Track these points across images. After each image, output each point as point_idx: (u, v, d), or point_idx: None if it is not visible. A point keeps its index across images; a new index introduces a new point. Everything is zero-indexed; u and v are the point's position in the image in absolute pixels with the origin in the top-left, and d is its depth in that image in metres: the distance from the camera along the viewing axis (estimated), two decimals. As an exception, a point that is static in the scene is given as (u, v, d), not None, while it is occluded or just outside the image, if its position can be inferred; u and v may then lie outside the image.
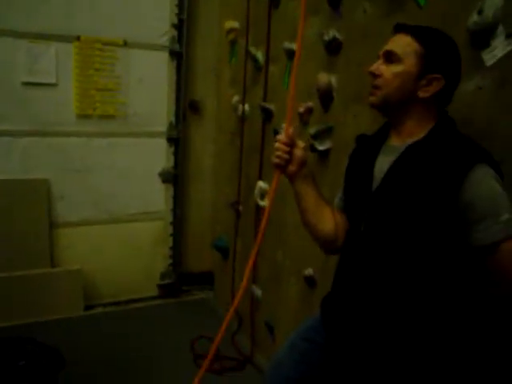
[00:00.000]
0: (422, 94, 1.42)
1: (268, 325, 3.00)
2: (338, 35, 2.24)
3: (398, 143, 1.49)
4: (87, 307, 3.70)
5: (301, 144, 1.63)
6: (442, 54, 1.41)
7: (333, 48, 2.28)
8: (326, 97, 2.33)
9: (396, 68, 1.43)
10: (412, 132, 1.46)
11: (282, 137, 1.60)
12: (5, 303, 3.38)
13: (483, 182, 1.30)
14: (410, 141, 1.46)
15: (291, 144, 1.60)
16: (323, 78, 2.31)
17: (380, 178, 1.49)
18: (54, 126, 3.52)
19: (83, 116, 3.59)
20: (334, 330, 1.61)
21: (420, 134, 1.45)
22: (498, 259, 1.30)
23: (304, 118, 2.50)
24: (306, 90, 2.46)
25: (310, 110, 2.46)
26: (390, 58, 1.44)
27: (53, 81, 3.47)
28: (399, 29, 1.48)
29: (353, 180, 1.65)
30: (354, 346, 1.51)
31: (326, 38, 2.28)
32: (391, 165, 1.47)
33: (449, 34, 1.46)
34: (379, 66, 1.47)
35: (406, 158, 1.44)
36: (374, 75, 1.47)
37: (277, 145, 1.61)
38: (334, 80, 2.29)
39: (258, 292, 3.12)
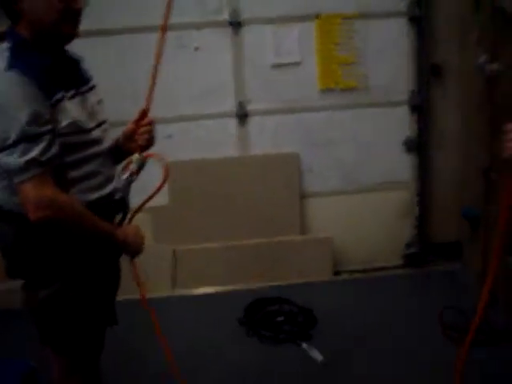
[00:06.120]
0: None
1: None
2: None
3: None
4: (336, 273, 3.90)
5: None
6: None
7: None
8: None
9: None
10: None
11: None
12: (260, 266, 3.74)
13: None
14: None
15: None
16: None
17: None
18: (300, 103, 3.74)
19: (326, 90, 3.73)
20: None
21: None
22: None
23: None
24: None
25: None
26: None
27: (297, 59, 3.69)
28: None
29: None
30: None
31: None
32: None
33: None
34: None
35: None
36: None
37: None
38: None
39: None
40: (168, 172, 1.84)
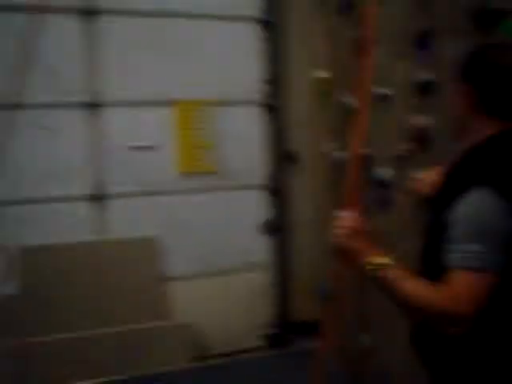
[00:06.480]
0: (465, 110, 1.42)
1: (382, 374, 2.90)
2: (428, 76, 2.22)
3: None
4: (196, 359, 3.76)
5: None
6: (469, 66, 1.41)
7: (424, 89, 2.26)
8: (422, 138, 2.30)
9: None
10: None
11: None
12: (117, 357, 3.51)
13: (467, 205, 1.29)
14: None
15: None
16: (417, 120, 2.29)
17: None
18: (159, 186, 3.74)
19: (185, 174, 3.78)
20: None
21: None
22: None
23: (401, 161, 2.47)
24: (401, 133, 2.44)
25: (408, 152, 2.43)
26: None
27: (157, 143, 3.71)
28: None
29: None
30: None
31: (416, 79, 2.27)
32: None
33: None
34: None
35: (444, 181, 1.46)
36: None
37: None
38: (429, 121, 2.26)
39: (368, 340, 3.04)
40: (12, 261, 1.69)
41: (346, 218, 1.48)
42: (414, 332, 1.58)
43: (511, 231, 1.27)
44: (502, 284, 1.30)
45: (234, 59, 3.84)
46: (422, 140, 2.28)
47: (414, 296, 1.33)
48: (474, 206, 1.28)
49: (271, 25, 3.93)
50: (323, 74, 3.49)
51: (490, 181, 1.29)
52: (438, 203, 1.43)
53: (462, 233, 1.29)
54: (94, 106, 3.56)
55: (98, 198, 3.61)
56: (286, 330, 4.07)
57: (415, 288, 1.33)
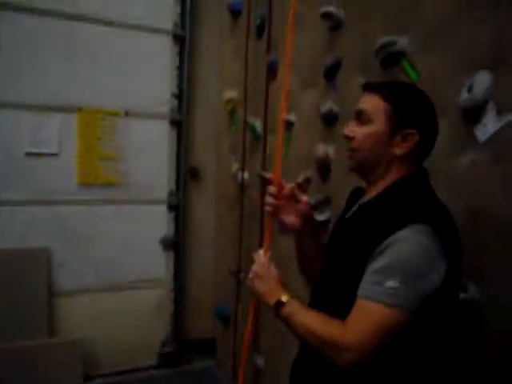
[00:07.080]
0: (398, 151, 1.38)
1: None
2: (333, 107, 2.29)
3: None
4: (87, 377, 3.61)
5: (304, 198, 1.64)
6: (411, 109, 1.38)
7: (329, 120, 2.32)
8: (323, 167, 2.36)
9: (368, 129, 1.40)
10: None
11: (272, 189, 1.61)
12: (2, 376, 3.28)
13: (401, 241, 1.25)
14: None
15: (285, 195, 1.62)
16: (320, 149, 2.35)
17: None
18: (56, 195, 3.56)
19: (85, 184, 3.63)
20: None
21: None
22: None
23: (302, 188, 2.51)
24: (305, 160, 2.49)
25: (308, 180, 2.49)
26: (361, 118, 1.42)
27: (55, 150, 3.54)
28: (367, 88, 1.45)
29: None
30: None
31: (322, 109, 2.34)
32: (342, 221, 1.54)
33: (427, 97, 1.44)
34: (352, 128, 1.44)
35: (356, 216, 1.46)
36: (349, 138, 1.44)
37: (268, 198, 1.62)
38: (331, 151, 2.32)
39: (261, 361, 3.05)
40: None
41: (256, 261, 1.56)
42: (298, 360, 1.58)
43: (438, 275, 1.25)
44: (411, 326, 1.26)
45: (145, 71, 3.76)
46: (322, 169, 2.34)
47: (305, 327, 1.35)
48: (407, 243, 1.24)
49: (184, 39, 3.89)
50: (232, 93, 3.50)
51: (428, 218, 1.26)
52: (353, 236, 1.39)
53: (385, 265, 1.25)
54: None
55: (-14, 204, 3.37)
56: (182, 348, 4.01)
57: (308, 320, 1.35)
